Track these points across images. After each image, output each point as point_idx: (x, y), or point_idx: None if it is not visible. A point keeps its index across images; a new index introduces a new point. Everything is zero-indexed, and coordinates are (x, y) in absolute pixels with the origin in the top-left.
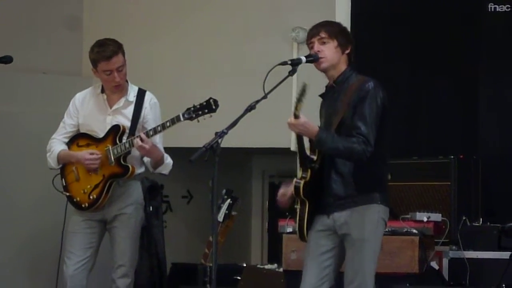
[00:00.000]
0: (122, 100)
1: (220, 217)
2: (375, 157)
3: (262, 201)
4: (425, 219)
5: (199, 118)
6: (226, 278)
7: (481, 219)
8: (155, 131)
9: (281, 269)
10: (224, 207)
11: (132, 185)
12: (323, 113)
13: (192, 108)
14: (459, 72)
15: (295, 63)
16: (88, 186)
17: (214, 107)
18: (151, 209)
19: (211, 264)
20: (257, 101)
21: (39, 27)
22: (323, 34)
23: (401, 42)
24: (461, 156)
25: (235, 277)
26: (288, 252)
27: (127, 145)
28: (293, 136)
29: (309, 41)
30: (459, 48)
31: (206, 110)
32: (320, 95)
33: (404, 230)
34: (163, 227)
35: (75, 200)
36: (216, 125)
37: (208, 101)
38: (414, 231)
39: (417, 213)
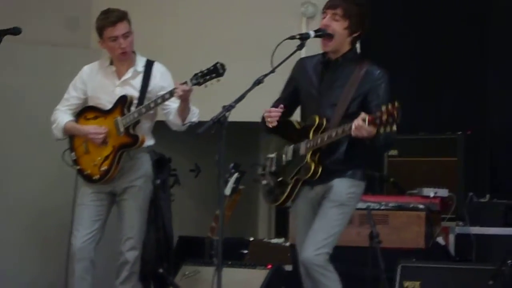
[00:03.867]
0: (131, 71)
1: (228, 191)
2: None
3: None
4: (432, 195)
5: (207, 84)
6: (233, 251)
7: (488, 195)
8: (164, 98)
9: (287, 243)
10: (232, 181)
11: (142, 157)
12: (318, 84)
13: (200, 73)
14: (468, 47)
15: (304, 37)
16: (99, 158)
17: (221, 71)
18: (158, 182)
19: (217, 238)
20: (265, 75)
21: None
22: (339, 11)
23: (410, 15)
24: (469, 132)
25: (241, 251)
26: (295, 227)
27: (135, 115)
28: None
29: (324, 10)
30: (469, 23)
31: (214, 75)
32: (323, 65)
33: (411, 206)
34: (171, 200)
35: (85, 173)
36: (224, 99)
37: (215, 66)
38: (421, 206)
39: (424, 188)
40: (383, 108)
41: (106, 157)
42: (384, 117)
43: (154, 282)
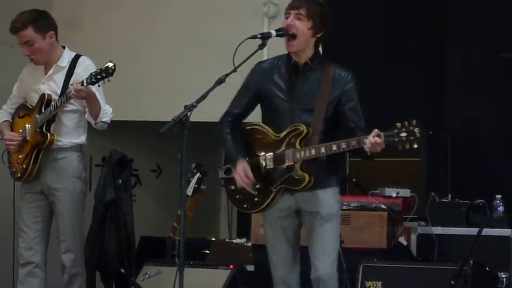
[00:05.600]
0: (54, 67)
1: (189, 191)
2: None
3: None
4: (394, 195)
5: (100, 83)
6: (195, 251)
7: (449, 195)
8: (66, 97)
9: (249, 243)
10: (193, 181)
11: (67, 157)
12: (287, 89)
13: (94, 73)
14: (427, 48)
15: (265, 36)
16: (20, 156)
17: (110, 71)
18: (120, 182)
19: (179, 238)
20: (227, 75)
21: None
22: (302, 11)
23: (371, 17)
24: (431, 133)
25: (203, 251)
26: (257, 227)
27: (47, 113)
28: None
29: (287, 11)
30: (427, 24)
31: (104, 75)
32: (290, 69)
33: (373, 206)
34: (132, 201)
35: (12, 170)
36: (186, 99)
37: (106, 66)
38: (383, 206)
39: (386, 188)
40: (398, 124)
41: (26, 155)
42: (403, 135)
43: (116, 282)
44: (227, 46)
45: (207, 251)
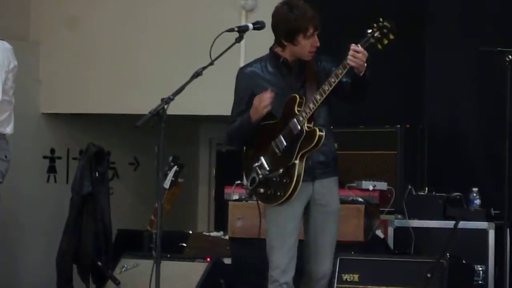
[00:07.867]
0: None
1: (166, 184)
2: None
3: (210, 168)
4: (370, 188)
5: None
6: (172, 244)
7: (426, 189)
8: None
9: (226, 237)
10: (171, 174)
11: None
12: (282, 81)
13: None
14: (405, 41)
15: (242, 30)
16: None
17: None
18: (97, 175)
19: (156, 231)
20: (204, 68)
21: None
22: (318, 28)
23: (349, 11)
24: (407, 126)
25: (180, 244)
26: (234, 220)
27: None
28: None
29: (312, 30)
30: (405, 17)
31: None
32: (280, 65)
33: (350, 199)
34: (109, 194)
35: None
36: (164, 92)
37: None
38: (360, 199)
39: (363, 181)
40: (369, 30)
41: None
42: (377, 34)
43: (93, 275)
44: (205, 39)
45: (184, 244)
